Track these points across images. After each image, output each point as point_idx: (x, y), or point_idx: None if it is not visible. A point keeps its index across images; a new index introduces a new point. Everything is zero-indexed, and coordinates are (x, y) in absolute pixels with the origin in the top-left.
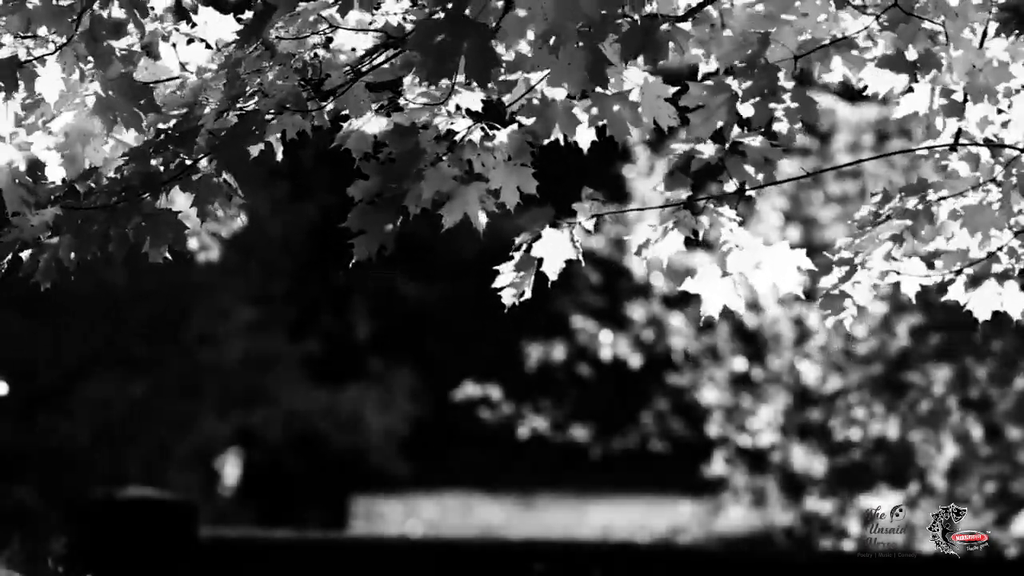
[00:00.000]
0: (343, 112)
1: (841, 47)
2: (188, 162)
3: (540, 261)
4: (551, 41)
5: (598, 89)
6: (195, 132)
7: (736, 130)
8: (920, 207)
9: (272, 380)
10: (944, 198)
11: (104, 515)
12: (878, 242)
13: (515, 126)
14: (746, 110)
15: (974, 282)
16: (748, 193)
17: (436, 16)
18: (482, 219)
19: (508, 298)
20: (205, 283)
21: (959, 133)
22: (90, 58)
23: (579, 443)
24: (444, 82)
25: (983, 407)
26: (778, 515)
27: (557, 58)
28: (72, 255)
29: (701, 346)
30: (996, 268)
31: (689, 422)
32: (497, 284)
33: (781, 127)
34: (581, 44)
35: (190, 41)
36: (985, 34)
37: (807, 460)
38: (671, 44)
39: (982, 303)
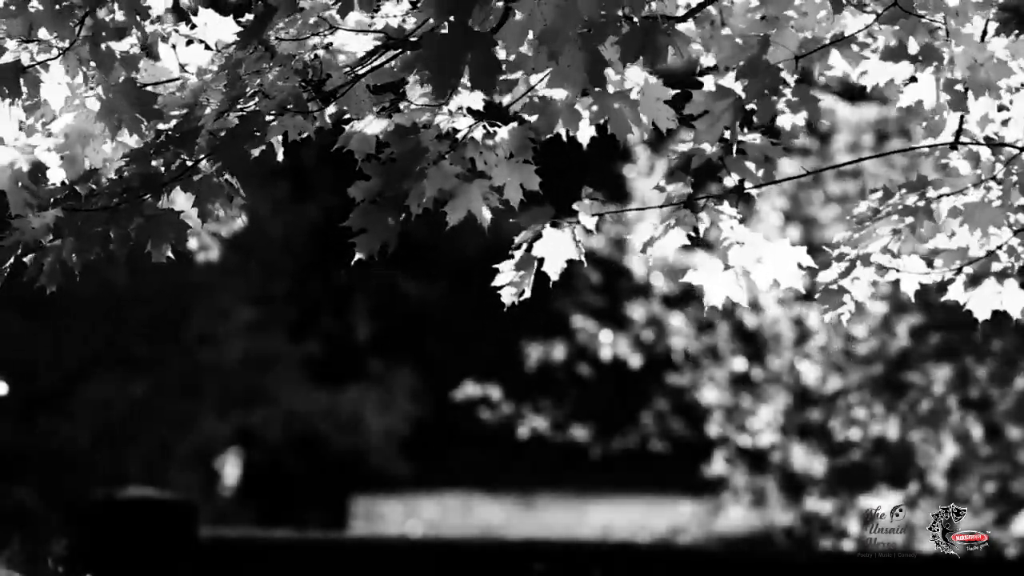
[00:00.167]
0: (344, 113)
1: (842, 45)
2: (189, 163)
3: (541, 260)
4: (550, 44)
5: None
6: (196, 133)
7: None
8: (920, 204)
9: (272, 380)
10: (944, 195)
11: (104, 515)
12: (876, 236)
13: (516, 123)
14: (750, 107)
15: (973, 281)
16: (748, 191)
17: (441, 30)
18: (486, 215)
19: (508, 297)
20: (205, 283)
21: (960, 131)
22: (92, 63)
23: (579, 443)
24: None
25: (983, 407)
26: (778, 515)
27: (557, 63)
28: (75, 257)
29: (701, 346)
30: (996, 266)
31: (689, 422)
32: (497, 283)
33: (785, 121)
34: (580, 46)
35: (189, 42)
36: (985, 32)
37: (807, 460)
38: (670, 48)
39: (981, 302)
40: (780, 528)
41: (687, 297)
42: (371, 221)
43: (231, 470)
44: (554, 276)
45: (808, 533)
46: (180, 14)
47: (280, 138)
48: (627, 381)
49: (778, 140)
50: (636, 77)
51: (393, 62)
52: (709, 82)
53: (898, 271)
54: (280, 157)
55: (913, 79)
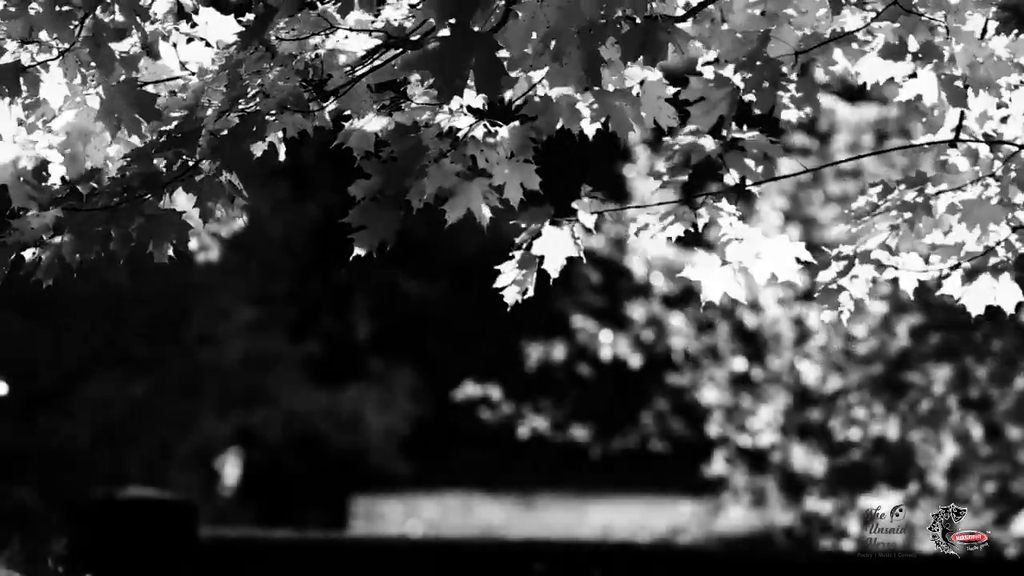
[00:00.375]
0: (345, 112)
1: (842, 42)
2: (190, 163)
3: (541, 259)
4: (552, 45)
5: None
6: (197, 133)
7: (734, 125)
8: (919, 200)
9: (272, 380)
10: (943, 192)
11: (104, 515)
12: (875, 232)
13: (517, 122)
14: (748, 97)
15: (970, 276)
16: (748, 188)
17: (442, 31)
18: (486, 213)
19: (511, 296)
20: (205, 283)
21: (960, 128)
22: (92, 63)
23: (579, 443)
24: None
25: (983, 407)
26: (778, 515)
27: (561, 65)
28: (78, 257)
29: (701, 346)
30: (992, 261)
31: (689, 422)
32: (499, 283)
33: (789, 115)
34: (580, 46)
35: (190, 40)
36: (985, 30)
37: (807, 460)
38: (671, 46)
39: (976, 297)
40: (780, 528)
41: (687, 297)
42: (371, 218)
43: (231, 470)
44: (554, 274)
45: (808, 533)
46: (180, 14)
47: (281, 135)
48: (627, 381)
49: (777, 139)
50: (637, 75)
51: (394, 62)
52: (708, 71)
53: (896, 268)
54: (282, 156)
55: (913, 75)
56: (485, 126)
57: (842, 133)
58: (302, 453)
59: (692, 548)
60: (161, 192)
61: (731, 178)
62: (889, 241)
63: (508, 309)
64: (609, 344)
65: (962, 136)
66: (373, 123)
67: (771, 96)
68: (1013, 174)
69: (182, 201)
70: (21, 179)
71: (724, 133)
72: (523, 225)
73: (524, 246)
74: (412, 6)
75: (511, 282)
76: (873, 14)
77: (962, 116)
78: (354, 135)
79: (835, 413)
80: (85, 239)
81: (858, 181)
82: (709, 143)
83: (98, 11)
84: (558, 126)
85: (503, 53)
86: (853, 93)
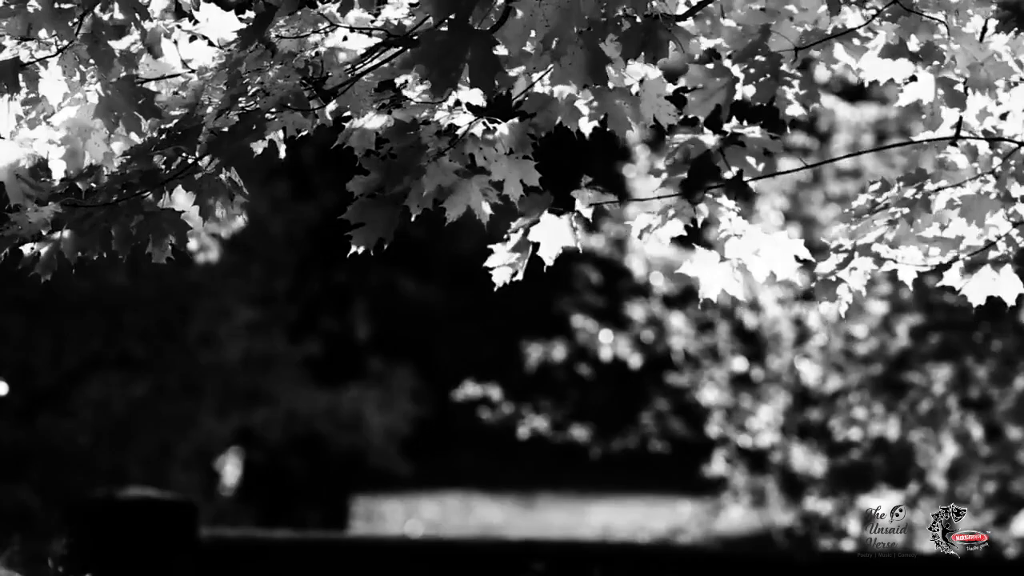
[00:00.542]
0: (345, 112)
1: (843, 39)
2: (190, 160)
3: (536, 245)
4: (552, 45)
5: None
6: (197, 131)
7: (735, 121)
8: (918, 196)
9: (272, 380)
10: (942, 188)
11: (104, 515)
12: (874, 227)
13: (516, 119)
14: (748, 91)
15: (970, 267)
16: (747, 183)
17: (440, 28)
18: (485, 210)
19: (500, 277)
20: (205, 284)
21: (959, 125)
22: (91, 60)
23: (579, 443)
24: None
25: (983, 407)
26: (778, 515)
27: (561, 66)
28: (78, 253)
29: (701, 346)
30: (992, 255)
31: (689, 422)
32: (490, 263)
33: (791, 111)
34: (581, 45)
35: (192, 38)
36: (985, 29)
37: (807, 460)
38: (671, 43)
39: (977, 288)
40: (780, 528)
41: (687, 297)
42: (369, 215)
43: (231, 470)
44: (549, 261)
45: (808, 533)
46: (180, 13)
47: (281, 134)
48: (627, 381)
49: (777, 135)
50: (638, 72)
51: (394, 60)
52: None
53: (896, 261)
54: (282, 154)
55: (913, 78)
56: (484, 123)
57: (842, 133)
58: (302, 453)
59: (692, 548)
60: (160, 190)
61: (731, 174)
62: (887, 235)
63: (495, 289)
64: (609, 344)
65: (962, 133)
66: (373, 121)
67: (770, 88)
68: (1012, 170)
69: (181, 200)
70: (17, 176)
71: (724, 127)
72: (521, 209)
73: (521, 232)
74: (412, 5)
75: (502, 263)
76: (873, 11)
77: (961, 115)
78: (355, 134)
79: (835, 413)
80: (84, 236)
81: (858, 181)
82: (709, 138)
83: (97, 9)
84: (556, 123)
85: (501, 51)
86: (853, 93)
